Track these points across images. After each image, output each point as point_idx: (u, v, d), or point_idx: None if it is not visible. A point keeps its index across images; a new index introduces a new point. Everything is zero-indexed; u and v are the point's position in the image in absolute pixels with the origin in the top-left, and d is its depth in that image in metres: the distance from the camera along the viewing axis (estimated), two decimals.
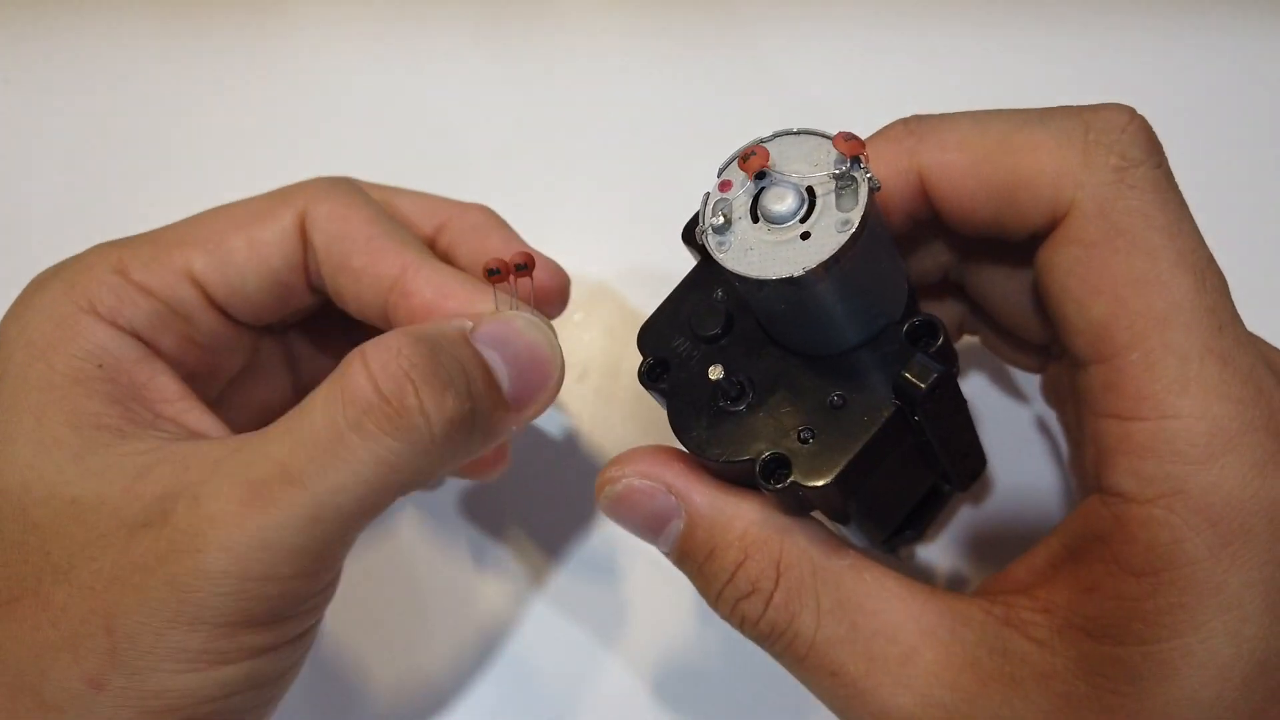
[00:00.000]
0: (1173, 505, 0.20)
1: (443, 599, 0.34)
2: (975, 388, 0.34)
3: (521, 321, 0.25)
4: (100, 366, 0.24)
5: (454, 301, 0.26)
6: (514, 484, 0.35)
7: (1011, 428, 0.34)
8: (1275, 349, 0.24)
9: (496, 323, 0.24)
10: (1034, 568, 0.23)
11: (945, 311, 0.28)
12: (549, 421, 0.36)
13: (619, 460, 0.25)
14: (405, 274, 0.26)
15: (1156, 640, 0.20)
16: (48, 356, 0.24)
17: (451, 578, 0.34)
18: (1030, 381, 0.34)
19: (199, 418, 0.25)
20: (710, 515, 0.23)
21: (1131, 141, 0.21)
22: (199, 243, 0.26)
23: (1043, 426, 0.34)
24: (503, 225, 0.30)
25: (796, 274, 0.19)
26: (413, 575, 0.34)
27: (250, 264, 0.26)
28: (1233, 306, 0.21)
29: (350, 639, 0.33)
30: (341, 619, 0.33)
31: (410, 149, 0.42)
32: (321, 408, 0.22)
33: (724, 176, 0.22)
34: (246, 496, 0.21)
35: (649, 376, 0.24)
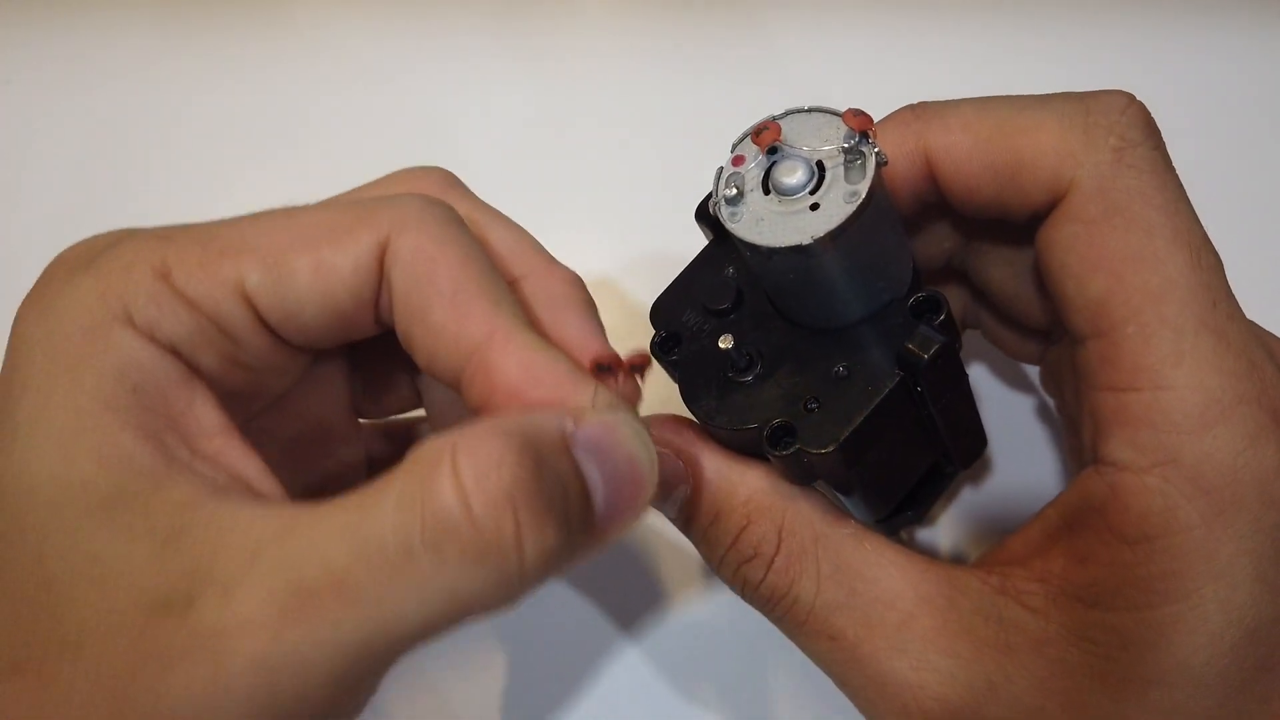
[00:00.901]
0: (1167, 474, 0.20)
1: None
2: (976, 378, 0.35)
3: (627, 430, 0.21)
4: (135, 390, 0.21)
5: (543, 391, 0.22)
6: None
7: (1011, 418, 0.34)
8: (1269, 332, 0.25)
9: (600, 428, 0.21)
10: (1030, 540, 0.23)
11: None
12: None
13: None
14: (492, 343, 0.22)
15: (1148, 607, 0.21)
16: (75, 372, 0.21)
17: None
18: (1030, 373, 0.35)
19: (239, 457, 0.22)
20: (716, 481, 0.24)
21: (1130, 123, 0.22)
22: (257, 254, 0.22)
23: (1041, 417, 0.34)
24: (587, 306, 0.26)
25: (805, 242, 0.20)
26: None
27: (313, 292, 0.22)
28: (1227, 285, 0.21)
29: None
30: None
31: (416, 140, 0.43)
32: (394, 513, 0.18)
33: (737, 151, 0.22)
34: (289, 604, 0.18)
35: (661, 348, 0.25)
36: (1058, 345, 0.27)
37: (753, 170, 0.22)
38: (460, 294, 0.22)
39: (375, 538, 0.18)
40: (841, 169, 0.21)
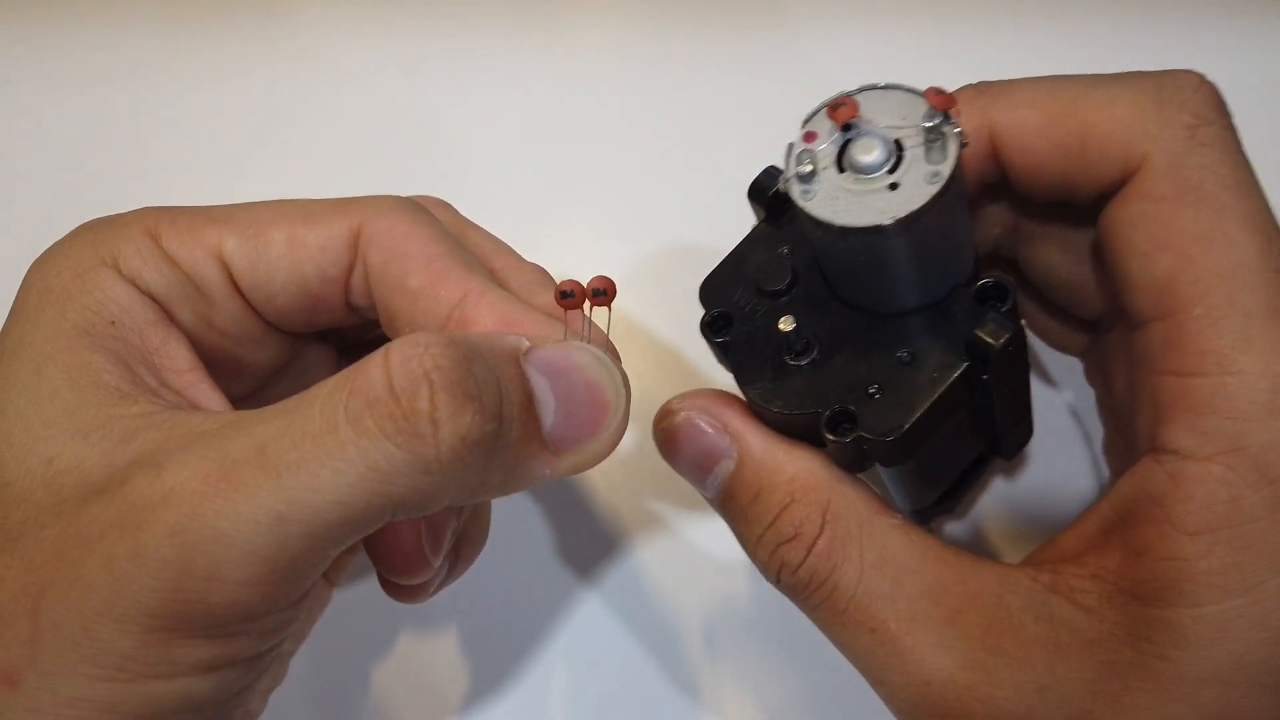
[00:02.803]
0: (1231, 462, 0.20)
1: (444, 598, 0.33)
2: None
3: (588, 355, 0.22)
4: (113, 323, 0.23)
5: (520, 332, 0.23)
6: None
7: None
8: None
9: (558, 349, 0.22)
10: (1083, 535, 0.23)
11: None
12: None
13: (682, 396, 0.25)
14: (467, 300, 0.24)
15: (1210, 602, 0.20)
16: (60, 304, 0.23)
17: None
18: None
19: (207, 392, 0.23)
20: (762, 458, 0.24)
21: (1204, 101, 0.21)
22: (237, 225, 0.25)
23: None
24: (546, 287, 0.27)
25: (885, 223, 0.20)
26: None
27: (283, 261, 0.25)
28: None
29: (351, 636, 0.33)
30: (343, 616, 0.33)
31: (419, 147, 0.42)
32: (326, 394, 0.19)
33: (809, 128, 0.22)
34: (214, 475, 0.18)
35: (712, 329, 0.25)
36: (1107, 333, 0.27)
37: (826, 148, 0.21)
38: (435, 260, 0.24)
39: (304, 413, 0.19)
40: (922, 149, 0.20)
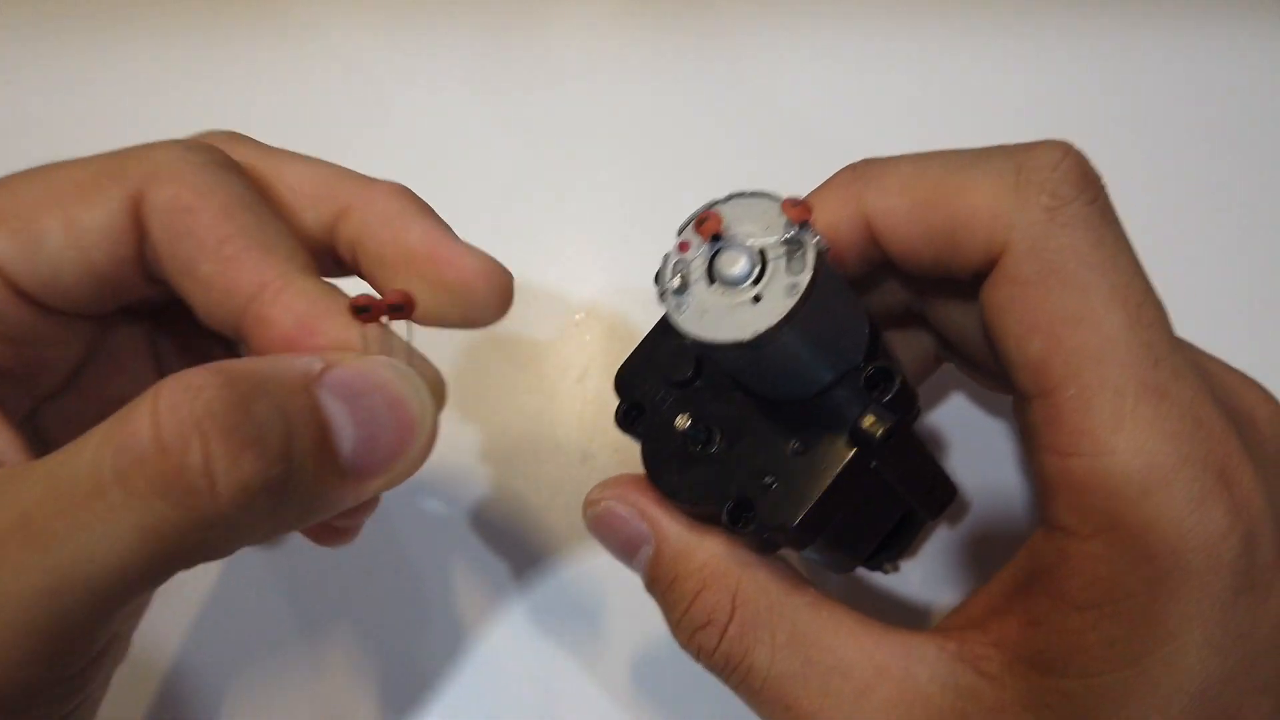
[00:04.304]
0: (1110, 540, 0.21)
1: (443, 598, 0.35)
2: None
3: (389, 370, 0.21)
4: None
5: (319, 339, 0.21)
6: (513, 485, 0.36)
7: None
8: (1230, 370, 0.24)
9: (354, 370, 0.20)
10: (988, 601, 0.24)
11: (914, 342, 0.29)
12: (548, 422, 0.37)
13: (603, 484, 0.26)
14: (264, 294, 0.21)
15: (1099, 673, 0.21)
16: None
17: (451, 577, 0.35)
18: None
19: None
20: (676, 545, 0.25)
21: (1063, 179, 0.21)
22: (3, 221, 0.21)
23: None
24: (424, 212, 0.24)
25: (746, 338, 0.20)
26: (413, 575, 0.35)
27: (67, 253, 0.21)
28: (1171, 339, 0.21)
29: (350, 639, 0.34)
30: (344, 619, 0.35)
31: (415, 141, 0.43)
32: (92, 447, 0.18)
33: (682, 237, 0.22)
34: None
35: (625, 421, 0.26)
36: None
37: (698, 259, 0.22)
38: (226, 245, 0.21)
39: (68, 477, 0.17)
40: (783, 259, 0.21)
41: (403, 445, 0.21)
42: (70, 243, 0.21)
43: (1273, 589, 0.21)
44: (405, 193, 0.24)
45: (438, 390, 0.22)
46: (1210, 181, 0.38)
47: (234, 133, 0.25)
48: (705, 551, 0.24)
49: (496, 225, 0.40)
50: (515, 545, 0.35)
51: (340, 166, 0.25)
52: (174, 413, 0.17)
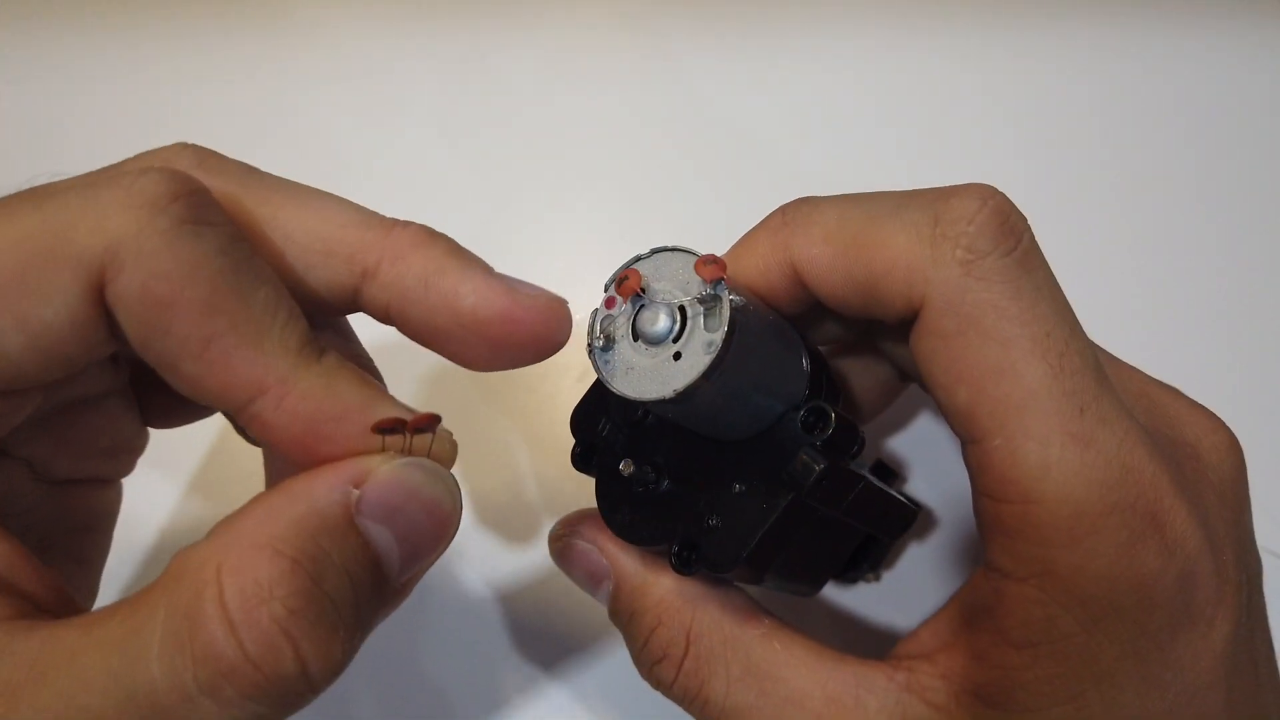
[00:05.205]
0: (1044, 585, 0.21)
1: (441, 598, 0.35)
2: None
3: (419, 474, 0.20)
4: None
5: (333, 448, 0.20)
6: (511, 487, 0.37)
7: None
8: (1179, 397, 0.24)
9: (386, 485, 0.19)
10: (937, 633, 0.24)
11: (875, 368, 0.29)
12: (548, 422, 0.38)
13: (566, 520, 0.27)
14: (265, 401, 0.19)
15: (1038, 709, 0.21)
16: None
17: (450, 577, 0.35)
18: None
19: None
20: (633, 581, 0.25)
21: (979, 232, 0.21)
22: None
23: None
24: (465, 262, 0.22)
25: (667, 395, 0.21)
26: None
27: (27, 354, 0.19)
28: (1099, 384, 0.21)
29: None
30: None
31: (414, 141, 0.43)
32: (161, 654, 0.17)
33: (609, 294, 0.23)
34: None
35: (579, 462, 0.26)
36: None
37: (621, 317, 0.22)
38: (212, 345, 0.19)
39: (144, 685, 0.17)
40: (702, 316, 0.21)
41: (439, 543, 0.21)
42: (29, 344, 0.19)
43: (1215, 622, 0.21)
44: (434, 239, 0.22)
45: (453, 455, 0.21)
46: (1208, 181, 0.37)
47: (206, 151, 0.22)
48: (661, 588, 0.25)
49: (496, 224, 0.40)
50: (514, 545, 0.36)
51: (344, 203, 0.22)
52: (252, 620, 0.17)
